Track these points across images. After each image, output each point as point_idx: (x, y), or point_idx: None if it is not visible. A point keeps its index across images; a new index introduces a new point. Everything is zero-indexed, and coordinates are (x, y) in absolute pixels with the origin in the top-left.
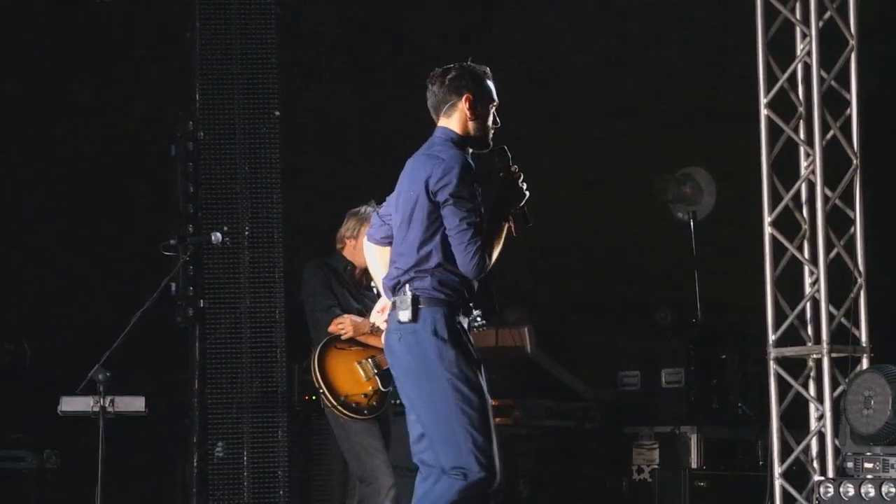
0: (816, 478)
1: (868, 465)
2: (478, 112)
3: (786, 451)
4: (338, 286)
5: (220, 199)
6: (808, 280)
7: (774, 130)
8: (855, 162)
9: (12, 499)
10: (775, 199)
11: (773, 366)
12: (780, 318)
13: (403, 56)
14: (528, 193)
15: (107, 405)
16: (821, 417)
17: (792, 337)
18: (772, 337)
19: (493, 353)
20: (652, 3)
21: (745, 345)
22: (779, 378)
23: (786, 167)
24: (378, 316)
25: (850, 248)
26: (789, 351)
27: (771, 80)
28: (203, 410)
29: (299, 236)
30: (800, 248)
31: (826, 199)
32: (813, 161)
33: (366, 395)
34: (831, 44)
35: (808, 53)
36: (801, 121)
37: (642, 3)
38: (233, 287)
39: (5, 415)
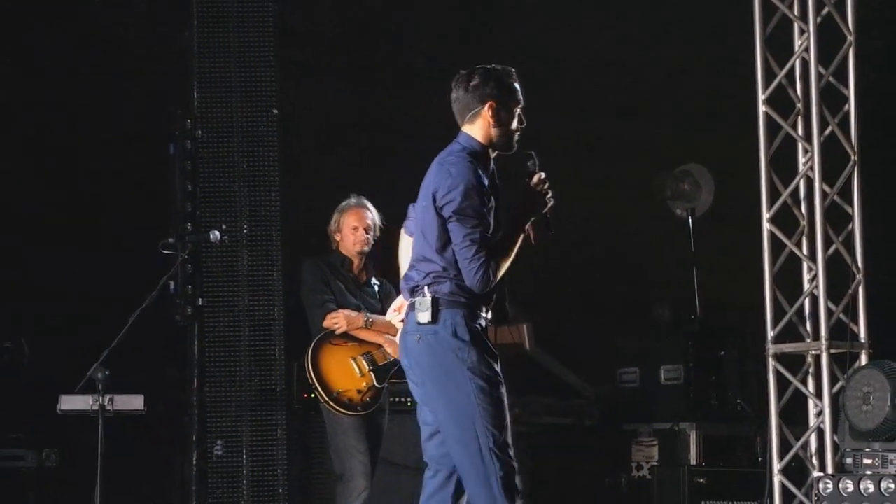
0: (815, 474)
1: (867, 461)
2: (501, 118)
3: (785, 447)
4: (335, 282)
5: (219, 198)
6: (806, 276)
7: (773, 127)
8: (853, 158)
9: (12, 498)
10: (774, 195)
11: (771, 362)
12: (778, 314)
13: (403, 55)
14: (552, 201)
15: (106, 404)
16: (819, 413)
17: (791, 333)
18: (770, 333)
19: None
20: (650, 2)
21: (744, 341)
22: (777, 374)
23: (784, 163)
24: (395, 315)
25: (849, 244)
26: (788, 347)
27: (769, 76)
28: (202, 409)
29: (298, 235)
30: (798, 245)
31: (824, 195)
32: (811, 157)
33: (360, 392)
34: (829, 40)
35: (806, 49)
36: (800, 117)
37: (641, 1)
38: (231, 285)
39: (4, 414)
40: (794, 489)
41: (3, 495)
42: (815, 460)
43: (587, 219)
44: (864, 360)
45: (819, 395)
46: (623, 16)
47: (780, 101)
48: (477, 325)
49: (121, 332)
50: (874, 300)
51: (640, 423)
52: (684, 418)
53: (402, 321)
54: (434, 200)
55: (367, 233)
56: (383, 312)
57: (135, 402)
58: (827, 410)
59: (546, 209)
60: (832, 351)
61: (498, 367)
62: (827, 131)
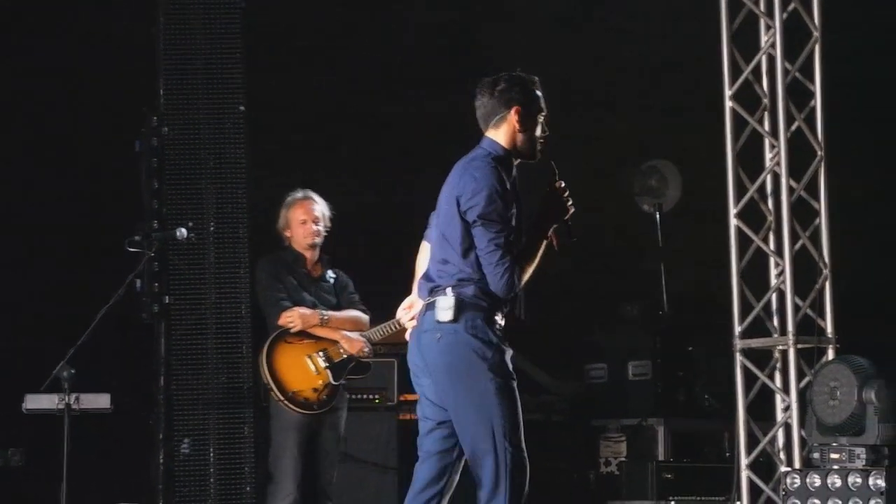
0: (783, 469)
1: (834, 456)
2: (526, 124)
3: (752, 442)
4: (289, 279)
5: (185, 195)
6: (773, 271)
7: (739, 122)
8: (819, 153)
9: None
10: (740, 190)
11: (739, 357)
12: (746, 309)
13: (373, 51)
14: (572, 209)
15: (72, 402)
16: (787, 408)
17: (758, 328)
18: (738, 328)
19: None
20: None
21: (712, 337)
22: (745, 369)
23: (751, 159)
24: (405, 312)
25: (816, 239)
26: (755, 342)
27: (735, 72)
28: (169, 407)
29: (265, 232)
30: (765, 240)
31: (791, 190)
32: (778, 152)
33: (315, 390)
34: (795, 36)
35: (773, 45)
36: (766, 112)
37: None
38: (198, 283)
39: None
40: (761, 484)
41: None
42: (782, 455)
43: None
44: (831, 354)
45: (786, 390)
46: (591, 11)
47: (747, 96)
48: (495, 327)
49: (87, 330)
50: (841, 295)
51: (608, 419)
52: (652, 414)
53: (413, 319)
54: (458, 205)
55: (316, 224)
56: (339, 305)
57: (101, 401)
58: (794, 405)
59: (567, 216)
60: (799, 346)
61: (512, 368)
62: (793, 127)
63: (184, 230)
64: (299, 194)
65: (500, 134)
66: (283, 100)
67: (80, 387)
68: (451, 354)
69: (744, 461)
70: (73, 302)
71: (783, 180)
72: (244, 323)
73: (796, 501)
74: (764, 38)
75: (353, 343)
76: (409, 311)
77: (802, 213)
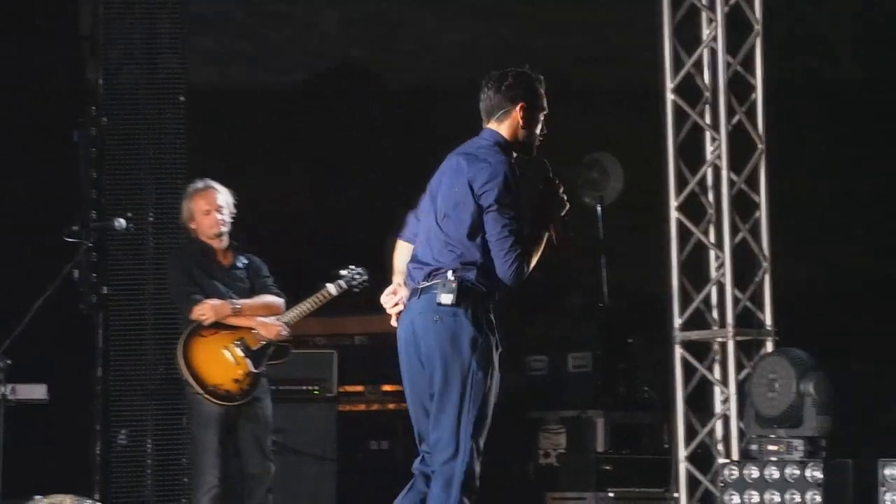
0: (721, 460)
1: (772, 448)
2: (529, 121)
3: (691, 434)
4: (199, 272)
5: (124, 185)
6: (713, 264)
7: (680, 115)
8: (760, 146)
9: None
10: (681, 183)
11: (678, 350)
12: (685, 302)
13: (309, 40)
14: (568, 204)
15: (7, 393)
16: (726, 400)
17: (698, 321)
18: (677, 321)
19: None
20: None
21: (652, 329)
22: (684, 362)
23: (692, 152)
24: (389, 298)
25: (755, 232)
26: (695, 335)
27: (677, 65)
28: (106, 398)
29: None
30: (705, 233)
31: (731, 183)
32: (719, 146)
33: (236, 381)
34: (737, 29)
35: (714, 39)
36: (707, 106)
37: None
38: (137, 274)
39: None
40: (699, 476)
41: None
42: (720, 447)
43: None
44: (769, 347)
45: (725, 382)
46: (531, 2)
47: (688, 89)
48: (491, 315)
49: (23, 320)
50: (780, 288)
51: (547, 411)
52: (592, 406)
53: (397, 305)
54: (472, 191)
55: (219, 213)
56: (254, 290)
57: (37, 392)
58: (733, 397)
59: (563, 211)
60: (738, 338)
61: (495, 366)
62: (734, 120)
63: (122, 220)
64: (200, 185)
65: (503, 127)
66: (222, 90)
67: (16, 377)
68: (447, 337)
69: (682, 453)
70: (9, 292)
71: (724, 173)
72: (183, 314)
73: (734, 493)
74: (706, 32)
75: (269, 328)
76: (392, 296)
77: (743, 206)
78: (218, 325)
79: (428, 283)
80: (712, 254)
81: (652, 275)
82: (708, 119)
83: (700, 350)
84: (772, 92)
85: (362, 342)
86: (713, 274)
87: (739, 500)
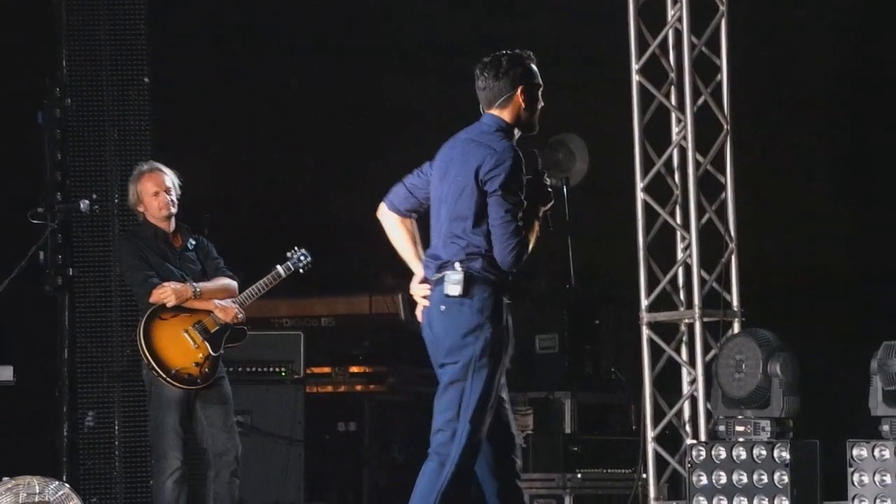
0: (689, 441)
1: (739, 429)
2: (531, 101)
3: (658, 415)
4: (152, 255)
5: (89, 167)
6: (680, 245)
7: (646, 96)
8: (726, 128)
9: None
10: (647, 164)
11: (645, 331)
12: (652, 283)
13: (273, 22)
14: (552, 199)
15: None
16: (693, 382)
17: (664, 302)
18: (644, 302)
19: (367, 320)
20: None
21: (619, 310)
22: (651, 343)
23: (657, 133)
24: (417, 289)
25: (722, 213)
26: (662, 316)
27: (642, 46)
28: (73, 380)
29: None
30: (672, 214)
31: (697, 164)
32: (684, 127)
33: (197, 364)
34: (702, 10)
35: (679, 20)
36: (673, 87)
37: None
38: (102, 255)
39: None
40: (667, 457)
41: None
42: (688, 428)
43: None
44: (736, 328)
45: (692, 363)
46: None
47: (654, 70)
48: (502, 305)
49: None
50: (746, 269)
51: (515, 392)
52: (559, 387)
53: (425, 297)
54: (476, 176)
55: (168, 195)
56: (205, 272)
57: (3, 374)
58: (700, 378)
59: (548, 206)
60: (705, 319)
61: (508, 353)
62: (700, 101)
63: (87, 202)
64: (145, 167)
65: (506, 112)
66: (187, 72)
67: None
68: (452, 327)
69: (650, 434)
70: None
71: (689, 154)
72: None
73: (702, 474)
74: (671, 13)
75: (226, 311)
76: (424, 288)
77: (709, 187)
78: (177, 309)
79: (440, 275)
80: (679, 235)
81: (618, 256)
82: (673, 100)
83: (667, 331)
84: (737, 73)
85: (329, 324)
86: (680, 255)
87: (707, 481)
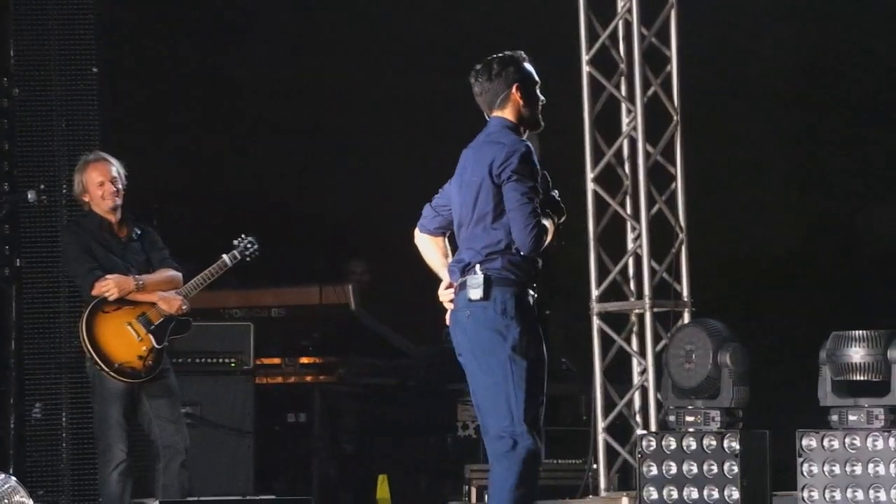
0: (639, 432)
1: (689, 419)
2: (528, 98)
3: (609, 405)
4: (97, 246)
5: (37, 157)
6: (630, 236)
7: (596, 87)
8: (675, 118)
9: None
10: (597, 155)
11: (596, 321)
12: (602, 273)
13: (226, 9)
14: (565, 215)
15: None
16: (643, 372)
17: (615, 292)
18: (595, 293)
19: (317, 311)
20: None
21: (569, 301)
22: (602, 333)
23: (608, 124)
24: (446, 293)
25: (672, 203)
26: (612, 306)
27: (592, 37)
28: (20, 371)
29: None
30: (622, 205)
31: (647, 155)
32: (634, 117)
33: (141, 357)
34: (652, 1)
35: (629, 10)
36: (623, 78)
37: None
38: (50, 246)
39: None
40: (618, 447)
41: None
42: (638, 418)
43: (412, 175)
44: (686, 318)
45: (643, 353)
46: None
47: (604, 61)
48: (526, 303)
49: None
50: (697, 259)
51: (465, 383)
52: None
53: (451, 301)
54: (490, 172)
55: (114, 185)
56: (150, 263)
57: None
58: (650, 369)
59: (561, 220)
60: (655, 310)
61: (543, 348)
62: (650, 92)
63: (34, 192)
64: (91, 156)
65: (507, 112)
66: (135, 61)
67: None
68: (476, 330)
69: (600, 424)
70: None
71: (640, 145)
72: None
73: (652, 464)
74: (620, 4)
75: (171, 302)
76: (450, 292)
77: (659, 177)
78: (120, 301)
79: (463, 280)
80: (629, 225)
81: (569, 246)
82: (623, 91)
83: (617, 321)
84: (687, 64)
85: (279, 314)
86: (630, 245)
87: (657, 471)
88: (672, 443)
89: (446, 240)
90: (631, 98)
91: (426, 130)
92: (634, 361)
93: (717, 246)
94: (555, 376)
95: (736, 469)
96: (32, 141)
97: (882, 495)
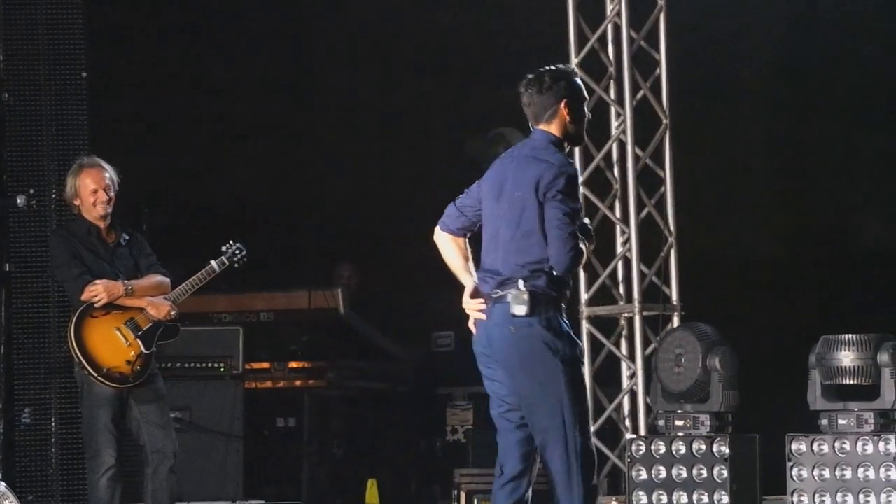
0: (628, 436)
1: (679, 423)
2: (575, 114)
3: (598, 409)
4: (85, 251)
5: (27, 162)
6: (619, 239)
7: (586, 90)
8: (665, 121)
9: None
10: (587, 158)
11: (585, 325)
12: (592, 277)
13: (208, 13)
14: (594, 242)
15: None
16: (632, 376)
17: (604, 296)
18: (584, 296)
19: (306, 315)
20: None
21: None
22: (591, 337)
23: (597, 127)
24: (473, 303)
25: (661, 207)
26: (601, 310)
27: (581, 40)
28: (9, 376)
29: None
30: (611, 208)
31: (637, 158)
32: (623, 121)
33: (129, 363)
34: (641, 5)
35: (618, 14)
36: (612, 81)
37: None
38: (39, 250)
39: None
40: (607, 451)
41: None
42: (627, 422)
43: (399, 178)
44: (676, 322)
45: (632, 357)
46: None
47: (593, 64)
48: (565, 319)
49: None
50: (686, 263)
51: (455, 387)
52: None
53: (480, 310)
54: (536, 190)
55: (107, 193)
56: (138, 268)
57: None
58: (640, 373)
59: (591, 247)
60: (645, 313)
61: (583, 360)
62: (639, 95)
63: (24, 197)
64: (86, 161)
65: (553, 127)
66: (124, 67)
67: None
68: (525, 347)
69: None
70: None
71: (629, 148)
72: None
73: (641, 468)
74: (609, 7)
75: (159, 308)
76: (477, 300)
77: (648, 181)
78: (109, 306)
79: (501, 293)
80: (618, 229)
81: None
82: (612, 94)
83: (606, 325)
84: (676, 67)
85: (268, 319)
86: (619, 249)
87: (647, 476)
88: (661, 447)
89: (467, 242)
90: (620, 101)
91: (413, 135)
92: (624, 365)
93: (706, 249)
94: None
95: (725, 473)
96: (22, 146)
97: (872, 499)
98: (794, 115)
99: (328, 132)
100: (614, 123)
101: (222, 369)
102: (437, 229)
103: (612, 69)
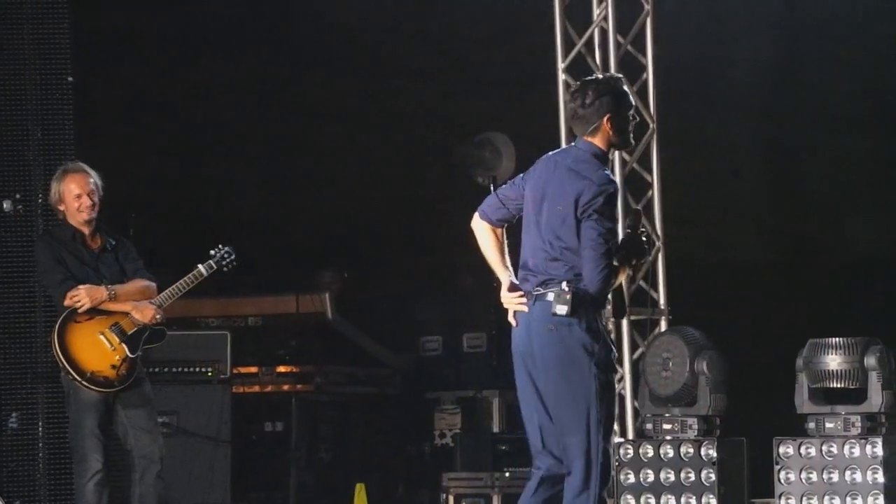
0: (616, 440)
1: (667, 427)
2: (618, 126)
3: None
4: (69, 257)
5: (12, 167)
6: None
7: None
8: (651, 126)
9: None
10: None
11: None
12: None
13: (196, 20)
14: (649, 257)
15: None
16: (620, 380)
17: None
18: None
19: (294, 320)
20: None
21: None
22: None
23: None
24: (511, 296)
25: (648, 211)
26: None
27: (568, 45)
28: None
29: None
30: None
31: (624, 163)
32: None
33: (114, 367)
34: (627, 9)
35: (605, 18)
36: None
37: None
38: (25, 255)
39: None
40: None
41: None
42: (616, 426)
43: (387, 183)
44: (663, 326)
45: (620, 361)
46: None
47: (580, 69)
48: (602, 324)
49: None
50: (673, 267)
51: (442, 391)
52: (487, 386)
53: (521, 303)
54: (576, 207)
55: (91, 198)
56: (124, 273)
57: None
58: (627, 377)
59: (642, 260)
60: (632, 317)
61: (616, 368)
62: None
63: (9, 202)
64: (70, 166)
65: (597, 139)
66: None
67: None
68: (562, 346)
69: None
70: None
71: (616, 153)
72: None
73: (629, 472)
74: (596, 12)
75: (144, 312)
76: (517, 294)
77: (635, 185)
78: (93, 311)
79: (543, 291)
80: None
81: None
82: None
83: None
84: (663, 71)
85: (256, 323)
86: None
87: (635, 479)
88: (649, 451)
89: (504, 233)
90: None
91: (401, 141)
92: None
93: (693, 254)
94: None
95: (713, 477)
96: (8, 150)
97: (859, 502)
98: (782, 120)
99: (316, 138)
100: None
101: (210, 374)
102: (476, 216)
103: (598, 74)
